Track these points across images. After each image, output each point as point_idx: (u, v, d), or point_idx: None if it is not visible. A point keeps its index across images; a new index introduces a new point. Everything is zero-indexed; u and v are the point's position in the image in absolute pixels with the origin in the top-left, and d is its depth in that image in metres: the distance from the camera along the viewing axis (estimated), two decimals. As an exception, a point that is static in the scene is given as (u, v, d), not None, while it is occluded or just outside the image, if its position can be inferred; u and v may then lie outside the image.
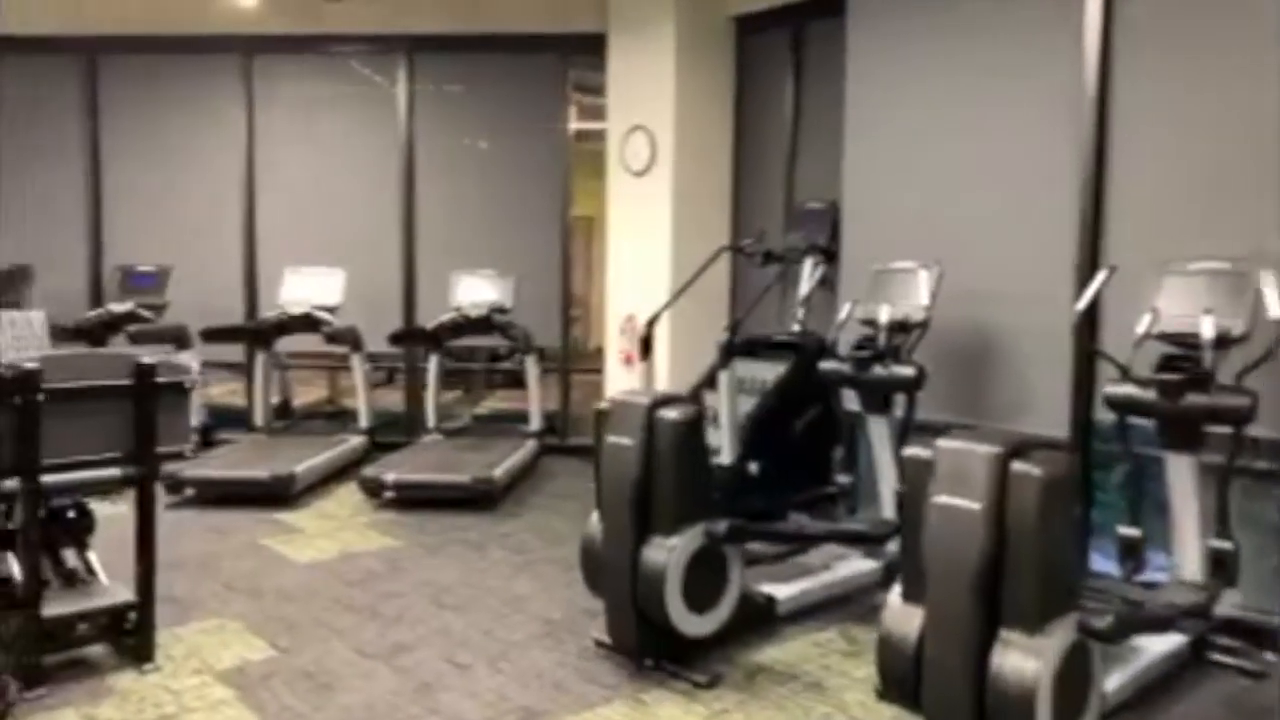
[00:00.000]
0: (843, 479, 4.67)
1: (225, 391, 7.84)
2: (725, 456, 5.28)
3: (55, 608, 3.28)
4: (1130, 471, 3.78)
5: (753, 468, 5.35)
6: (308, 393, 8.67)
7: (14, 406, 3.02)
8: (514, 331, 6.30)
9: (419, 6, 7.17)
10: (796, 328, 5.76)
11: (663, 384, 6.22)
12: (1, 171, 7.52)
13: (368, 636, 3.75)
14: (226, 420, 7.16)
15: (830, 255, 5.62)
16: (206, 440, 6.79)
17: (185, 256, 7.25)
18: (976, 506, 2.53)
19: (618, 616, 3.47)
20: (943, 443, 2.67)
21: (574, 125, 7.44)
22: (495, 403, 8.99)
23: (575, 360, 7.80)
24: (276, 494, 5.63)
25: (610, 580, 3.47)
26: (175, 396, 3.35)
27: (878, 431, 4.44)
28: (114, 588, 3.50)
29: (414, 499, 5.63)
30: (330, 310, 6.73)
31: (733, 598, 3.52)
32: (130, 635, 3.44)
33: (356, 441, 6.67)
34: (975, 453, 2.58)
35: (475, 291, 6.61)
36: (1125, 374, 3.52)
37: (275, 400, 8.08)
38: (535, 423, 6.81)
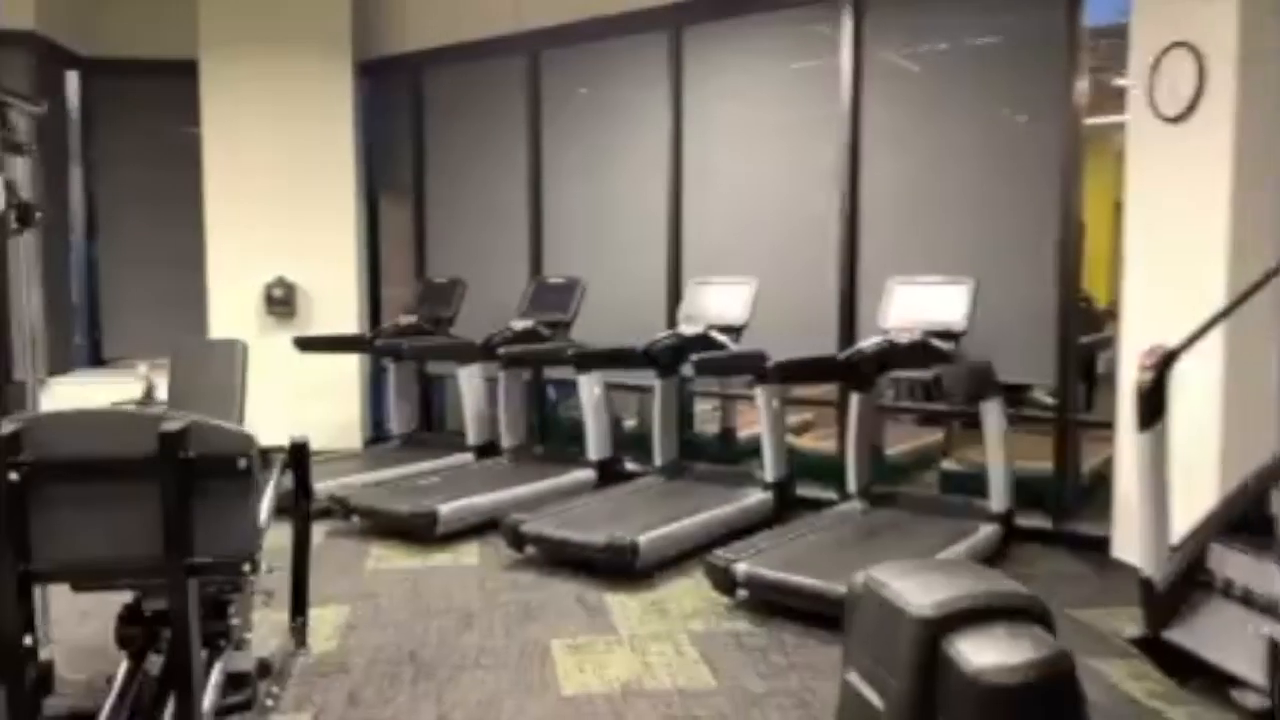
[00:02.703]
0: None
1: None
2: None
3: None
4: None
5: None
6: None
7: (-14, 483, 2.10)
8: (945, 371, 4.24)
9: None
10: None
11: (1203, 481, 3.77)
12: (452, 184, 7.44)
13: None
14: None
15: None
16: (606, 475, 5.84)
17: (612, 267, 6.44)
18: None
19: None
20: None
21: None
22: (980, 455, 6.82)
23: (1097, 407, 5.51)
24: (615, 566, 4.39)
25: None
26: (223, 481, 2.19)
27: None
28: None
29: (773, 604, 3.98)
30: (734, 331, 5.36)
31: None
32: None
33: (756, 499, 5.19)
34: None
35: (911, 307, 4.70)
36: None
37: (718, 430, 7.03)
38: (997, 499, 4.66)
